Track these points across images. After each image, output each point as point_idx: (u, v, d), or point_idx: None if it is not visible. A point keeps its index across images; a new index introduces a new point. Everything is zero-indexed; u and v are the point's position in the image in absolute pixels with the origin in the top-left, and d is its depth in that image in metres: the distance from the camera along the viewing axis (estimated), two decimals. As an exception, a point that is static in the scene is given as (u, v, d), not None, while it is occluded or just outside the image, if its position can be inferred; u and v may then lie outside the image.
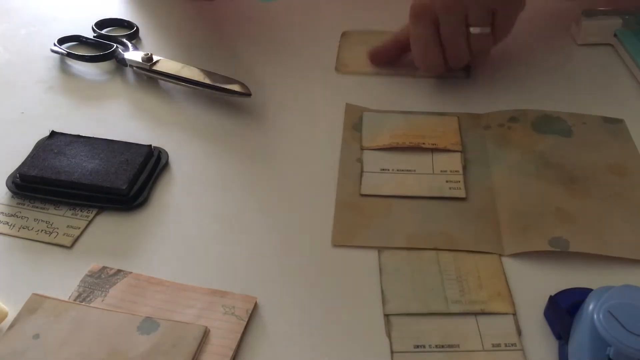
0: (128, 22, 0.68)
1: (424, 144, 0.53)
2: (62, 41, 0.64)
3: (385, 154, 0.53)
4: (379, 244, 0.45)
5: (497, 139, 0.54)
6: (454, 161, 0.52)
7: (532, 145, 0.53)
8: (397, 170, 0.51)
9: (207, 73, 0.57)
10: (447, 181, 0.50)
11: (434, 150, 0.53)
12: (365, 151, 0.53)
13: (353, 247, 0.45)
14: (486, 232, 0.46)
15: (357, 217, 0.47)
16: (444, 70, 0.58)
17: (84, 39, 0.65)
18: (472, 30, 0.56)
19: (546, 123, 0.55)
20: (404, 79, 0.61)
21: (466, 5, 0.55)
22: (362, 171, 0.51)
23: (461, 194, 0.49)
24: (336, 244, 0.45)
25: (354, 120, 0.56)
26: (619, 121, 0.56)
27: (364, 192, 0.49)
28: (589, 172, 0.50)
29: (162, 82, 0.60)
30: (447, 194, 0.49)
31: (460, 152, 0.53)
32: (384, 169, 0.51)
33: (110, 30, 0.68)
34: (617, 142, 0.54)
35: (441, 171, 0.51)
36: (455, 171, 0.51)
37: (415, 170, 0.51)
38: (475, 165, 0.52)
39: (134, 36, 0.66)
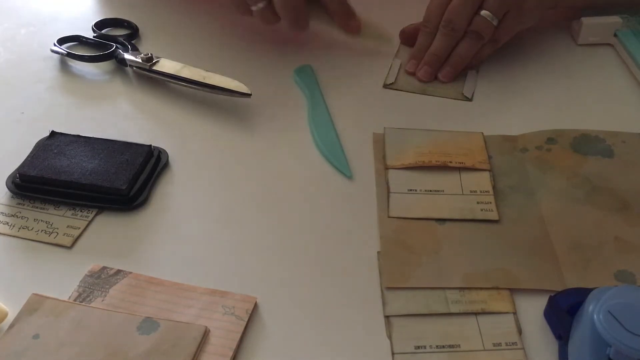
0: (128, 22, 0.68)
1: (450, 162, 0.51)
2: (62, 41, 0.64)
3: (412, 173, 0.50)
4: (435, 284, 0.42)
5: (538, 162, 0.51)
6: (483, 181, 0.50)
7: (576, 168, 0.51)
8: (425, 190, 0.49)
9: (207, 73, 0.57)
10: (477, 202, 0.48)
11: (461, 169, 0.51)
12: (390, 170, 0.51)
13: (352, 247, 0.45)
14: (545, 266, 0.44)
15: (405, 253, 0.44)
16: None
17: (84, 39, 0.65)
18: (483, 12, 0.57)
19: (586, 143, 0.53)
20: (423, 97, 0.59)
21: None
22: (388, 192, 0.49)
23: (494, 216, 0.47)
24: (390, 287, 0.42)
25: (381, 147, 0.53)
26: None
27: (392, 214, 0.47)
28: None
29: (162, 82, 0.60)
30: (479, 216, 0.47)
31: (489, 170, 0.50)
32: (411, 190, 0.49)
33: (110, 30, 0.68)
34: None
35: (471, 191, 0.49)
36: (486, 191, 0.49)
37: (443, 191, 0.49)
38: (519, 192, 0.49)
39: (134, 36, 0.66)
